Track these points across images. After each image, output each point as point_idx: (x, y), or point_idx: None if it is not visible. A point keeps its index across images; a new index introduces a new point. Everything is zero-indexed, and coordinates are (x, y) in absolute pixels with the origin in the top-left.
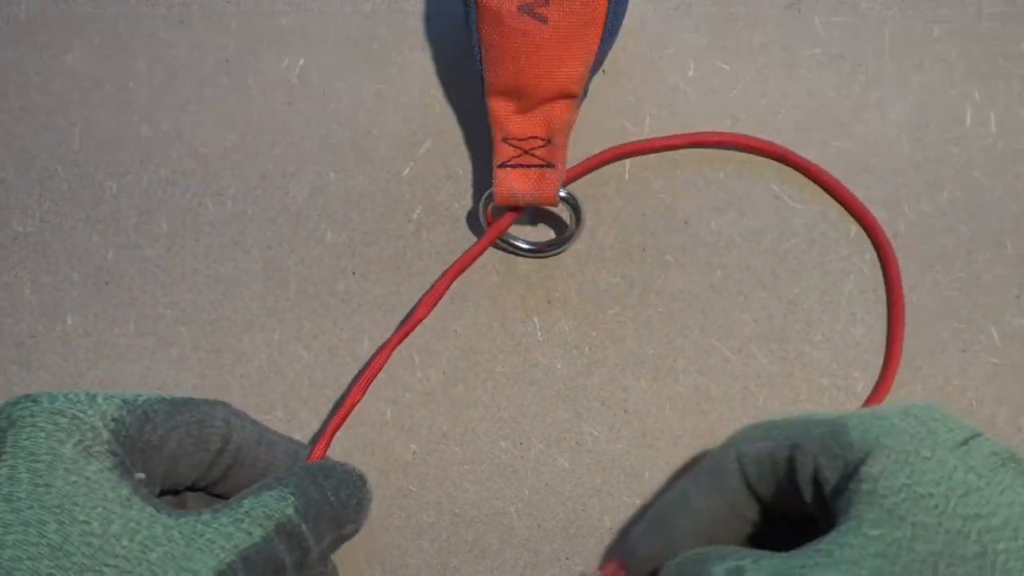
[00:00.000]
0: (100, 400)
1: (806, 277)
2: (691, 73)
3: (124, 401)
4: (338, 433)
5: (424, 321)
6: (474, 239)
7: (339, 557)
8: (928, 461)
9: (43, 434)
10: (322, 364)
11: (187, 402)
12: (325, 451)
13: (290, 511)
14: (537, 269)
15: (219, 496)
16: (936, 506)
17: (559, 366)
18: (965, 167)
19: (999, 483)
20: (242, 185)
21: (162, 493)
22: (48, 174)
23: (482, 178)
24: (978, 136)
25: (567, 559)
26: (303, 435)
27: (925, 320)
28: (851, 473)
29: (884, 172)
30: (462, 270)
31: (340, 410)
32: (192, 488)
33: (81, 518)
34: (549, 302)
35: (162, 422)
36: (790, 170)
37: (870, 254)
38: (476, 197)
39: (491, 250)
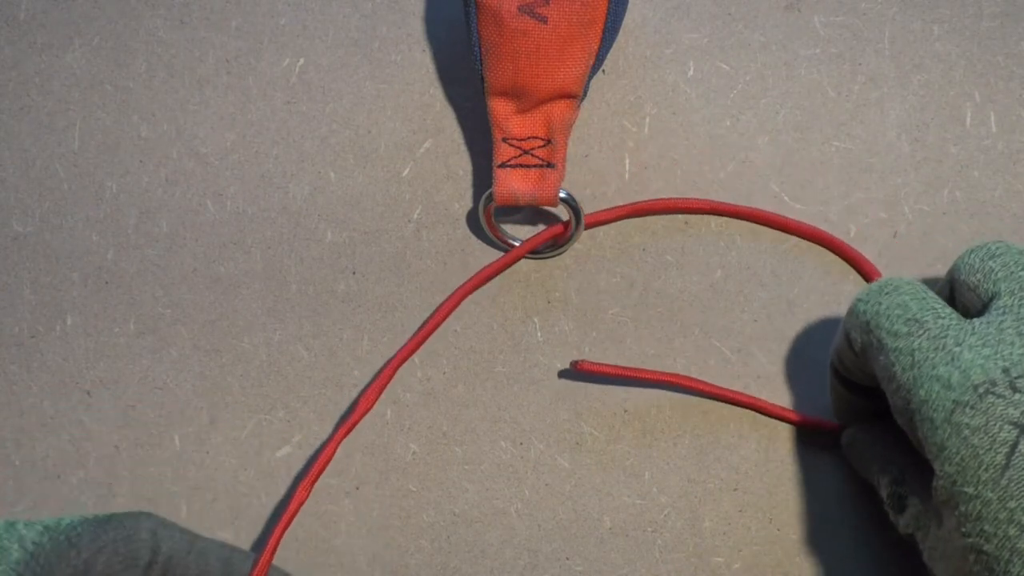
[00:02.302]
0: (20, 527)
1: (806, 277)
2: (691, 73)
3: (45, 527)
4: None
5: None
6: (474, 239)
7: (339, 556)
8: None
9: None
10: (322, 364)
11: (111, 519)
12: (267, 566)
13: None
14: (537, 269)
15: None
16: None
17: (559, 366)
18: (965, 167)
19: None
20: (242, 185)
21: None
22: (48, 174)
23: (482, 178)
24: (978, 136)
25: (567, 559)
26: (304, 436)
27: None
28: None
29: (884, 172)
30: (480, 284)
31: (303, 483)
32: None
33: None
34: (549, 302)
35: (87, 545)
36: (790, 171)
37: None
38: (476, 197)
39: (492, 250)
